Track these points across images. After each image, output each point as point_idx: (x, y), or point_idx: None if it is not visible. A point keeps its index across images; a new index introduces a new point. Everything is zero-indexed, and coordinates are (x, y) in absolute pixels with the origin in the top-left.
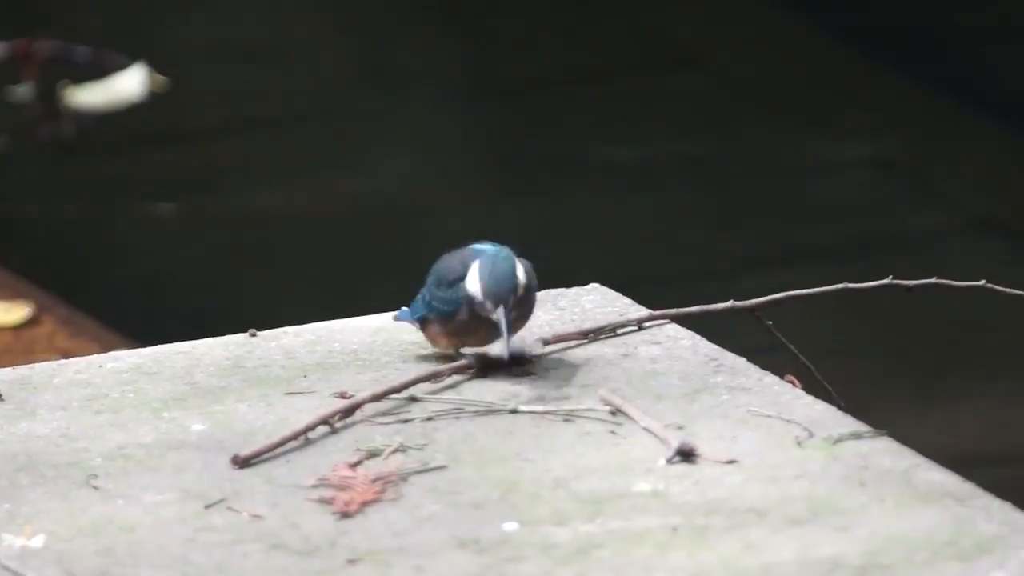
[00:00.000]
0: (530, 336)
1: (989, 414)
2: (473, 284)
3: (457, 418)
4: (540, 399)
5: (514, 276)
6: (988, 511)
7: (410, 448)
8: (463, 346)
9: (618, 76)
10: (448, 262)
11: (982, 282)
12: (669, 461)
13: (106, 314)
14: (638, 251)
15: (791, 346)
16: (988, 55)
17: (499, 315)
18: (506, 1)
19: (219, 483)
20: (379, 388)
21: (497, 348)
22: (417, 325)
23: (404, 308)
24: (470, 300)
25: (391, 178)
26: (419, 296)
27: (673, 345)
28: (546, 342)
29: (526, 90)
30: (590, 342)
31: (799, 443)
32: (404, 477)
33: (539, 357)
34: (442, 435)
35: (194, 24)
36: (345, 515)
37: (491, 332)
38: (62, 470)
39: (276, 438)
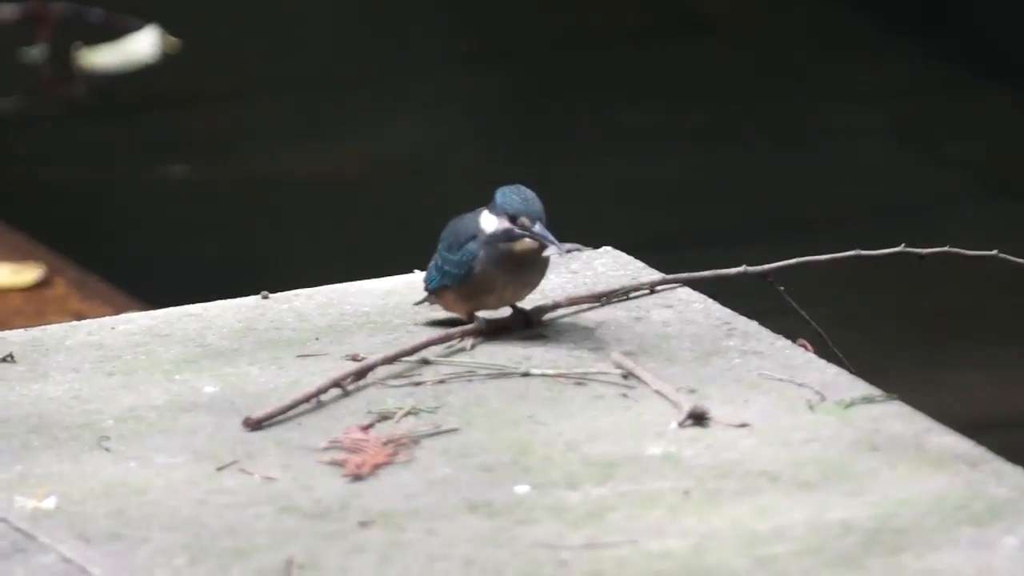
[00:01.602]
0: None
1: (1001, 378)
2: (490, 222)
3: (469, 381)
4: (552, 362)
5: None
6: (1000, 475)
7: (422, 411)
8: (479, 309)
9: (633, 41)
10: (458, 224)
11: (994, 252)
12: (681, 424)
13: (118, 276)
14: (651, 215)
15: (803, 312)
16: (1002, 20)
17: (538, 230)
18: None
19: (231, 445)
20: (391, 351)
21: (550, 250)
22: (433, 299)
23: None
24: (491, 238)
25: (404, 141)
26: (431, 267)
27: (685, 309)
28: (570, 250)
29: (541, 54)
30: (603, 305)
31: (811, 407)
32: (416, 440)
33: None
34: (454, 398)
35: None
36: (357, 478)
37: (506, 287)
38: (74, 432)
39: (288, 400)
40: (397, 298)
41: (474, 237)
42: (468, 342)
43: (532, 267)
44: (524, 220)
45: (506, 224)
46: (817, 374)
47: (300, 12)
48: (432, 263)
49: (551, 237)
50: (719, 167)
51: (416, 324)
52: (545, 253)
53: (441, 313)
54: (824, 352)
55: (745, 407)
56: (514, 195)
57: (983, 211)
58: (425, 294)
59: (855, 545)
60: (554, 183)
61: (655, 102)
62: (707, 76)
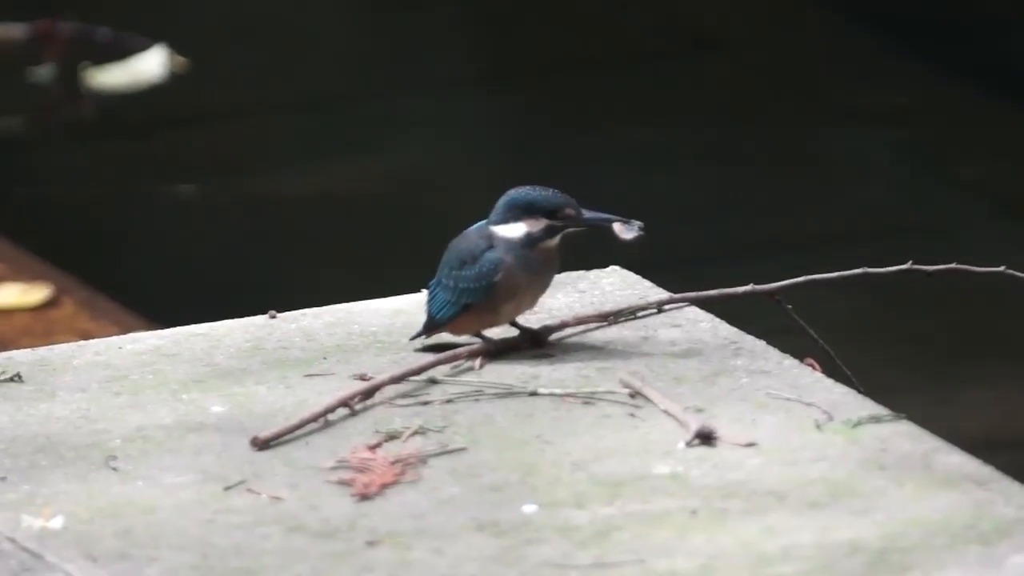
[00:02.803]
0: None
1: (1009, 398)
2: (514, 229)
3: (477, 400)
4: (560, 381)
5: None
6: (1007, 495)
7: (429, 430)
8: (495, 325)
9: (640, 60)
10: (463, 243)
11: (1002, 268)
12: (688, 444)
13: (126, 296)
14: (658, 234)
15: (811, 330)
16: (1011, 40)
17: (588, 214)
18: None
19: (238, 465)
20: (398, 370)
21: (627, 234)
22: (445, 330)
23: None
24: (527, 241)
25: (412, 160)
26: (436, 295)
27: (693, 328)
28: (641, 228)
29: (548, 75)
30: (610, 325)
31: (819, 426)
32: (423, 459)
33: (637, 238)
34: (461, 417)
35: (215, 4)
36: (364, 497)
37: (526, 291)
38: (81, 452)
39: (295, 420)
40: (405, 318)
41: (488, 248)
42: (476, 361)
43: (552, 265)
44: (569, 211)
45: (544, 222)
46: (825, 393)
47: (308, 33)
48: (435, 294)
49: (612, 216)
50: (725, 186)
51: (423, 344)
52: (626, 235)
53: (448, 335)
54: (832, 371)
55: (752, 426)
56: (539, 192)
57: (991, 230)
58: (422, 328)
59: (863, 565)
60: None
61: (661, 122)
62: (713, 95)
